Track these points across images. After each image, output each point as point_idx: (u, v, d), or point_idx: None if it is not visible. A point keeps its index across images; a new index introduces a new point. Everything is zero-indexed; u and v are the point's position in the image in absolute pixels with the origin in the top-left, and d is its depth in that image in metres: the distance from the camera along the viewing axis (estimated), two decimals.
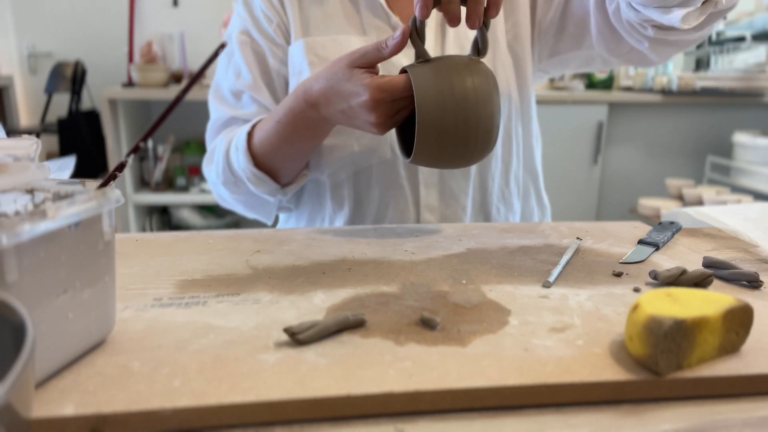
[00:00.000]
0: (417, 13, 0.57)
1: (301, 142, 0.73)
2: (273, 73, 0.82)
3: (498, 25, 0.79)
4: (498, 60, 0.80)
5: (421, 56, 0.59)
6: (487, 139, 0.58)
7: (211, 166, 0.83)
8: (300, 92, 0.67)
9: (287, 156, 0.76)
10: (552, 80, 2.77)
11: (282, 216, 0.94)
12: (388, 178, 0.79)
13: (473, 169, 0.81)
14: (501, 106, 0.59)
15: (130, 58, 2.74)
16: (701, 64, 2.93)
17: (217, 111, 0.85)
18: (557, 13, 0.80)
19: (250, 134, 0.76)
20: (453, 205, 0.81)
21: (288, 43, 0.81)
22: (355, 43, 0.76)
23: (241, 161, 0.76)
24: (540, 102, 2.45)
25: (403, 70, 0.59)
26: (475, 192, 0.83)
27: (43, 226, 0.32)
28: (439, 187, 0.80)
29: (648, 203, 2.49)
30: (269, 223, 0.88)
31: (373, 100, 0.59)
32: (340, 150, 0.79)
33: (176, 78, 2.72)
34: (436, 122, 0.56)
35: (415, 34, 0.59)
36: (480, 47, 0.60)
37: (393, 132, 0.77)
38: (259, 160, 0.76)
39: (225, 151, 0.79)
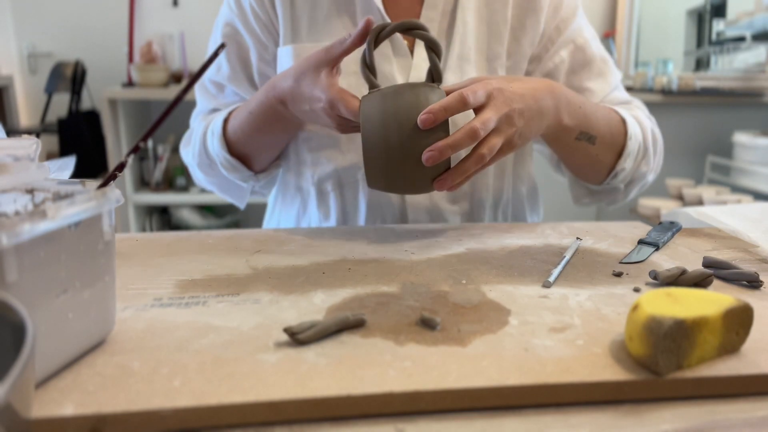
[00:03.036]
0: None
1: (274, 132, 0.74)
2: (254, 70, 0.81)
3: (499, 59, 0.78)
4: None
5: (372, 87, 0.61)
6: (434, 168, 0.57)
7: (188, 148, 0.85)
8: (270, 87, 0.69)
9: (260, 145, 0.76)
10: None
11: (267, 217, 0.94)
12: (374, 193, 0.78)
13: (461, 195, 0.79)
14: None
15: (130, 58, 2.74)
16: (701, 64, 2.94)
17: (200, 102, 0.86)
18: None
19: (225, 121, 0.76)
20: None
21: (276, 44, 0.80)
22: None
23: (215, 147, 0.77)
24: None
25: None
26: (464, 217, 0.81)
27: (43, 226, 0.32)
28: (428, 205, 0.79)
29: (648, 203, 2.49)
30: (242, 207, 0.89)
31: (330, 109, 0.61)
32: (325, 164, 0.78)
33: (176, 78, 2.72)
34: (380, 155, 0.57)
35: (365, 66, 0.60)
36: (434, 75, 0.61)
37: None
38: (233, 147, 0.77)
39: (202, 135, 0.80)
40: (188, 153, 0.85)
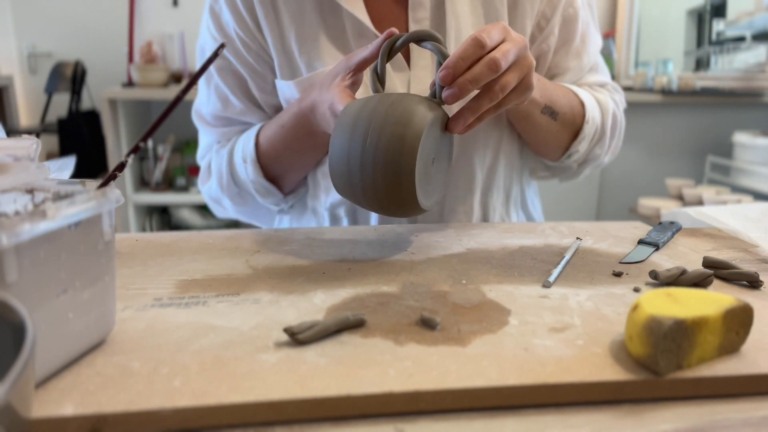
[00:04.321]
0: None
1: (303, 150, 0.73)
2: (259, 100, 0.78)
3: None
4: None
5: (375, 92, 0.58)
6: (395, 180, 0.50)
7: (209, 182, 0.82)
8: (304, 96, 0.68)
9: (290, 164, 0.75)
10: None
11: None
12: (387, 218, 0.77)
13: (476, 205, 0.79)
14: (429, 158, 0.54)
15: (130, 58, 2.74)
16: (701, 64, 2.94)
17: (206, 136, 0.83)
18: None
19: (255, 144, 0.74)
20: None
21: (272, 71, 0.76)
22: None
23: (250, 173, 0.75)
24: None
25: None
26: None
27: (43, 226, 0.32)
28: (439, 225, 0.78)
29: (648, 203, 2.49)
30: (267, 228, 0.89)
31: (330, 109, 0.60)
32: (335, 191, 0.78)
33: (176, 78, 2.72)
34: (341, 161, 0.52)
35: (375, 75, 0.59)
36: (437, 94, 0.54)
37: None
38: (266, 169, 0.75)
39: (227, 163, 0.78)
40: (211, 187, 0.81)
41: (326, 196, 0.79)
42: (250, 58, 0.75)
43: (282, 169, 0.76)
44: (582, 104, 0.76)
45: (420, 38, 0.57)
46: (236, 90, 0.77)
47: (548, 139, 0.76)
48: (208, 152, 0.83)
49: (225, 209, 0.85)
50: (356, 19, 0.71)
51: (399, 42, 0.58)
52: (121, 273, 0.53)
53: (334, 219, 0.80)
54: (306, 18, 0.72)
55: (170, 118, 0.40)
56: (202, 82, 0.80)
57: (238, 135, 0.80)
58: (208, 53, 0.77)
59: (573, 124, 0.76)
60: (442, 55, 0.55)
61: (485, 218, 0.81)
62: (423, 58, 0.73)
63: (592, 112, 0.77)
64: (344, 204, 0.78)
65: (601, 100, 0.80)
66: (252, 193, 0.78)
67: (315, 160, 0.77)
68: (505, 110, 0.68)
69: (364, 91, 0.69)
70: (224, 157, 0.78)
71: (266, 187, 0.76)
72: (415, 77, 0.73)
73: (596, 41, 0.83)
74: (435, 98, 0.55)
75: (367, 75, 0.66)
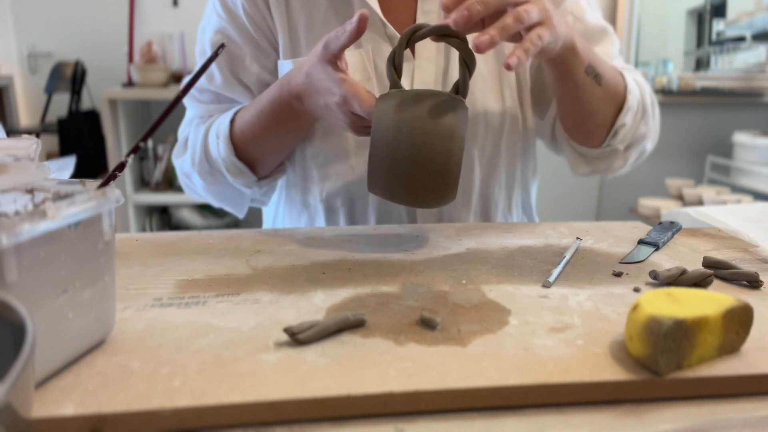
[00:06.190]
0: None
1: (283, 133, 0.72)
2: (252, 78, 0.78)
3: (508, 48, 0.75)
4: (504, 80, 0.77)
5: (394, 86, 0.58)
6: (442, 184, 0.55)
7: (183, 157, 0.81)
8: (285, 83, 0.67)
9: (268, 147, 0.74)
10: None
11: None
12: (384, 207, 0.77)
13: (475, 198, 0.79)
14: (464, 150, 0.56)
15: (130, 58, 2.74)
16: (701, 64, 2.94)
17: (191, 110, 0.83)
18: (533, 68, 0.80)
19: (231, 122, 0.74)
20: None
21: (276, 51, 0.77)
22: (349, 56, 0.72)
23: (221, 150, 0.74)
24: None
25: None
26: (476, 222, 0.80)
27: (43, 226, 0.32)
28: (438, 217, 0.78)
29: (648, 203, 2.49)
30: (241, 216, 0.86)
31: (343, 104, 0.59)
32: (334, 179, 0.77)
33: (176, 78, 2.72)
34: (385, 160, 0.54)
35: (392, 65, 0.58)
36: (460, 89, 0.58)
37: None
38: (240, 150, 0.74)
39: (202, 140, 0.77)
40: (184, 162, 0.81)
41: (321, 187, 0.78)
42: (253, 33, 0.76)
43: (259, 152, 0.75)
44: (622, 75, 0.75)
45: (443, 33, 0.57)
46: (223, 66, 0.77)
47: (593, 107, 0.73)
48: (188, 126, 0.83)
49: (194, 186, 0.83)
50: (367, 6, 0.72)
51: (420, 33, 0.58)
52: (121, 273, 0.53)
53: (330, 211, 0.79)
54: (316, 3, 0.73)
55: (170, 118, 0.40)
56: (198, 58, 0.81)
57: (220, 114, 0.79)
58: (209, 34, 0.78)
59: (616, 94, 0.73)
60: (467, 54, 0.56)
61: (485, 215, 0.81)
62: (428, 49, 0.74)
63: (632, 85, 0.75)
64: (341, 195, 0.78)
65: (635, 78, 0.78)
66: (223, 172, 0.77)
67: (295, 142, 0.76)
68: (550, 67, 0.67)
69: (351, 72, 0.69)
70: (201, 133, 0.78)
71: (237, 166, 0.75)
72: (420, 67, 0.74)
73: (616, 40, 0.82)
74: (457, 94, 0.57)
75: (368, 59, 0.67)
